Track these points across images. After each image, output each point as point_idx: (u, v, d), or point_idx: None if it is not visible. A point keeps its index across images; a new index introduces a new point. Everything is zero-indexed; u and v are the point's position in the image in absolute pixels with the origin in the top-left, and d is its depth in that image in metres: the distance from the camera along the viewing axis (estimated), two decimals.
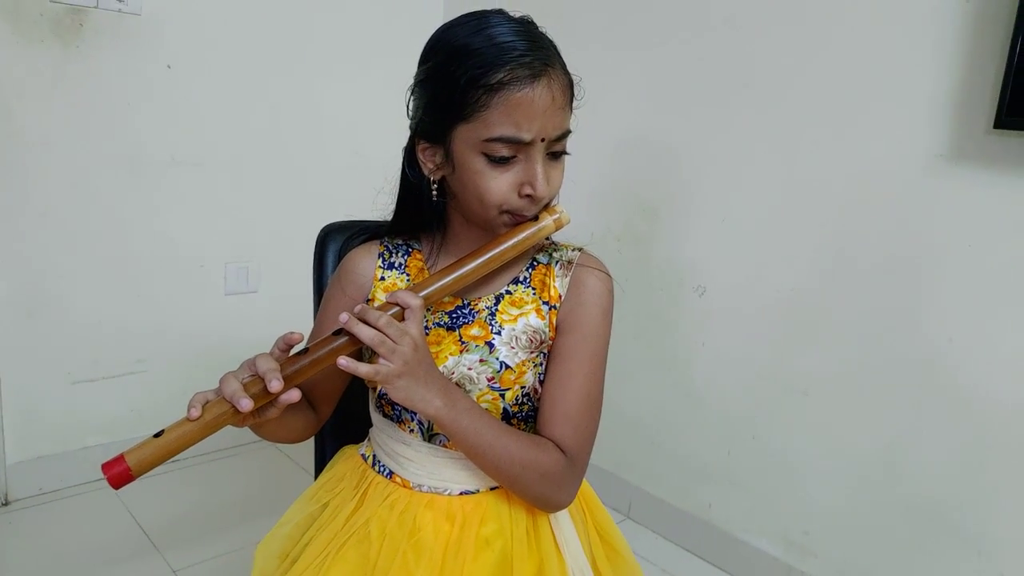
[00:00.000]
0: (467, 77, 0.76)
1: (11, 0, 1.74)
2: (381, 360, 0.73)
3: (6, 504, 1.92)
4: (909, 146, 1.50)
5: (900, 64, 1.51)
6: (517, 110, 0.76)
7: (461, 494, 0.87)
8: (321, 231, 1.21)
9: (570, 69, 0.83)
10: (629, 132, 2.03)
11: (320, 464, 1.14)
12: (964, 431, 1.47)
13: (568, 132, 0.82)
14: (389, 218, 0.96)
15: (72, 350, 1.99)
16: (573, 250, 0.93)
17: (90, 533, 1.83)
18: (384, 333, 0.73)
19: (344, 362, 0.72)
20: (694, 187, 1.90)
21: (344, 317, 0.74)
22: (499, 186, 0.79)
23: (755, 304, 1.79)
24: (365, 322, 0.74)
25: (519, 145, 0.78)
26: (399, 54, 2.46)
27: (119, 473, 0.67)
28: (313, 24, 2.26)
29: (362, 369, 0.72)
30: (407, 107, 0.86)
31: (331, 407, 0.97)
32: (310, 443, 1.11)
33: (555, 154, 0.82)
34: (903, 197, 1.52)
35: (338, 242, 1.18)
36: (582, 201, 2.17)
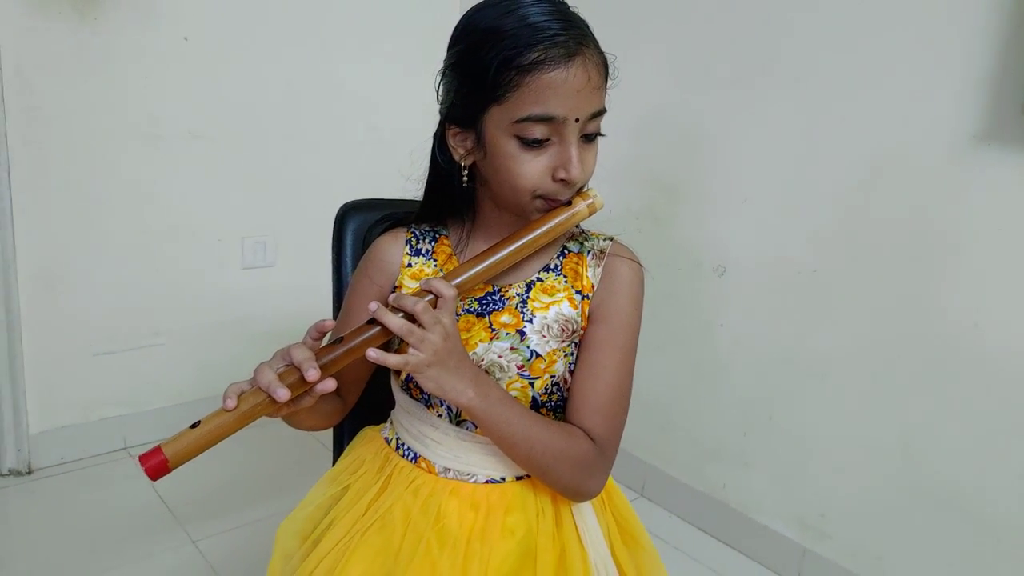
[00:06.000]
0: (500, 59, 0.74)
1: None
2: (411, 350, 0.73)
3: (29, 473, 1.95)
4: (938, 126, 1.47)
5: (931, 42, 1.47)
6: (550, 89, 0.74)
7: (487, 482, 0.87)
8: (340, 209, 1.20)
9: None
10: (650, 110, 2.00)
11: (338, 444, 1.14)
12: (986, 418, 1.45)
13: (603, 111, 0.81)
14: (410, 197, 0.94)
15: (92, 323, 2.01)
16: (605, 239, 0.92)
17: (110, 502, 1.86)
18: (419, 320, 0.73)
19: (374, 354, 0.71)
20: (716, 166, 1.87)
21: (373, 306, 0.73)
22: (532, 170, 0.78)
23: (775, 285, 1.77)
24: (402, 309, 0.73)
25: (552, 126, 0.76)
26: (414, 29, 2.45)
27: (156, 465, 0.66)
28: None
29: (391, 360, 0.72)
30: (436, 92, 0.84)
31: (358, 394, 0.97)
32: None
33: (589, 137, 0.81)
34: (930, 178, 1.49)
35: (357, 220, 1.18)
36: (601, 178, 2.14)
